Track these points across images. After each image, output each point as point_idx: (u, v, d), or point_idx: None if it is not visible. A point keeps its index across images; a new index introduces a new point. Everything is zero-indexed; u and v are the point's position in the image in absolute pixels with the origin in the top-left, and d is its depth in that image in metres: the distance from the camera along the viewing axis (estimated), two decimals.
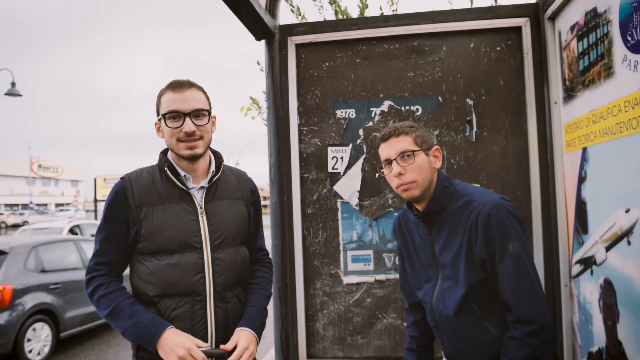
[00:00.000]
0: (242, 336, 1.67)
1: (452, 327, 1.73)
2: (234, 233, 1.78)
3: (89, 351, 6.57)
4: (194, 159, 1.72)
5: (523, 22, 2.49)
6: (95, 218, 35.25)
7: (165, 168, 1.73)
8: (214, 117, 1.82)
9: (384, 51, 2.64)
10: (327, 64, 2.69)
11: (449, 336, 1.77)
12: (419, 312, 1.96)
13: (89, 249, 7.36)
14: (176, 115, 1.67)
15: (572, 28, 2.15)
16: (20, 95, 15.86)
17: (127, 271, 1.81)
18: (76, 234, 12.30)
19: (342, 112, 2.68)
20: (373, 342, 2.66)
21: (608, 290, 1.91)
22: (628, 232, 1.72)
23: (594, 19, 1.92)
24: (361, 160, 2.65)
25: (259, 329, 1.75)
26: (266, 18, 2.53)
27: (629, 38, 1.65)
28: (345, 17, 4.73)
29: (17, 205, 55.88)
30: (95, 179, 34.51)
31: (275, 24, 2.70)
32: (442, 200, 1.70)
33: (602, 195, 1.94)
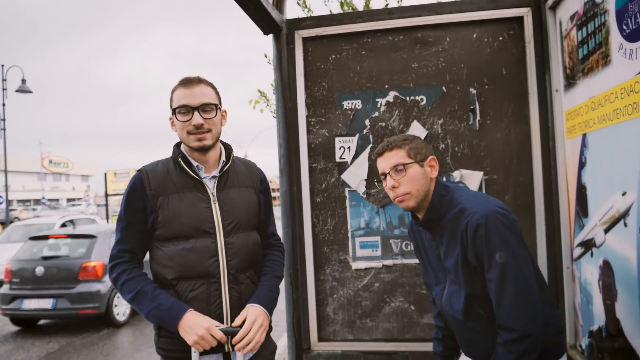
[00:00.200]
0: (250, 311, 1.76)
1: (461, 328, 1.79)
2: (245, 219, 1.87)
3: None
4: (203, 150, 1.81)
5: (525, 12, 2.55)
6: (107, 212, 35.57)
7: (179, 159, 1.83)
8: (224, 111, 1.91)
9: (388, 43, 2.71)
10: (333, 56, 2.77)
11: (460, 335, 1.84)
12: None
13: None
14: (186, 109, 1.77)
15: (572, 17, 2.21)
16: (30, 92, 16.05)
17: (146, 258, 1.91)
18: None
19: (348, 103, 2.75)
20: (381, 324, 2.75)
21: (607, 271, 1.99)
22: (624, 214, 1.79)
23: (592, 8, 1.98)
24: (368, 150, 2.73)
25: (267, 304, 1.82)
26: (273, 13, 2.60)
27: (625, 27, 1.71)
28: (351, 9, 4.78)
29: (29, 200, 56.56)
30: (105, 174, 34.80)
31: (282, 18, 2.78)
32: (439, 209, 1.73)
33: (600, 179, 2.01)
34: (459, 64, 2.64)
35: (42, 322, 7.78)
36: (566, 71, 2.33)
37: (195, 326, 1.67)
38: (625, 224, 1.79)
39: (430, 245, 1.84)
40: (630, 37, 1.67)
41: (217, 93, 1.87)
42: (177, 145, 1.91)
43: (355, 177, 2.74)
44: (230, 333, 1.72)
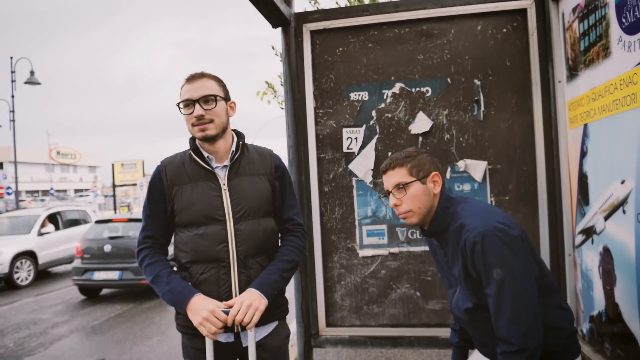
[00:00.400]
0: (245, 295, 1.82)
1: (471, 329, 1.86)
2: (256, 206, 1.93)
3: None
4: (207, 140, 1.89)
5: (528, 4, 2.59)
6: (114, 203, 35.85)
7: (190, 151, 1.94)
8: (233, 103, 1.99)
9: (394, 35, 2.77)
10: (340, 49, 2.82)
11: (470, 332, 1.91)
12: None
13: None
14: (188, 103, 1.87)
15: (574, 10, 2.26)
16: (39, 84, 16.17)
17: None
18: (57, 222, 11.66)
19: (355, 94, 2.82)
20: (388, 310, 2.83)
21: (606, 257, 2.05)
22: (623, 202, 1.85)
23: (593, 1, 2.03)
24: (374, 140, 2.80)
25: (264, 287, 1.84)
26: (282, 7, 2.66)
27: (624, 20, 1.76)
28: (357, 1, 4.82)
29: (37, 191, 57.06)
30: (112, 165, 35.00)
31: (290, 11, 2.84)
32: (442, 222, 1.77)
33: (601, 168, 2.07)
34: (463, 55, 2.69)
35: (103, 292, 9.17)
36: (568, 62, 2.38)
37: (201, 309, 1.77)
38: (624, 212, 1.85)
39: (439, 251, 1.90)
40: (629, 30, 1.72)
41: (221, 85, 1.94)
42: (193, 139, 1.99)
43: (362, 167, 2.81)
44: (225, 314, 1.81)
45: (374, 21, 2.76)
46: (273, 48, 5.12)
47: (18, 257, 10.19)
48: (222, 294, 1.87)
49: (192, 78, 1.89)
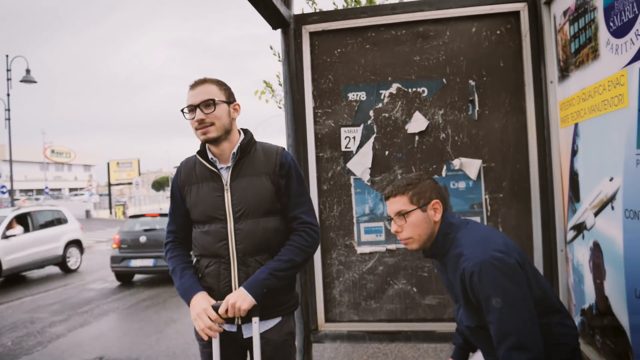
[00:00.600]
0: (232, 293, 1.92)
1: (475, 341, 1.94)
2: (255, 206, 2.00)
3: None
4: (210, 142, 2.00)
5: (521, 7, 2.66)
6: (109, 202, 35.78)
7: (196, 154, 2.08)
8: (237, 104, 2.06)
9: (391, 37, 2.83)
10: (339, 50, 2.89)
11: (475, 344, 1.99)
12: None
13: None
14: (190, 108, 1.98)
15: (565, 13, 2.33)
16: (35, 82, 16.14)
17: None
18: (26, 223, 11.00)
19: (353, 95, 2.88)
20: (385, 306, 2.90)
21: (596, 252, 2.13)
22: (612, 199, 1.93)
23: (583, 5, 2.10)
24: (372, 140, 2.87)
25: (252, 287, 1.91)
26: (282, 9, 2.72)
27: (611, 24, 1.83)
28: (354, 2, 4.89)
29: (31, 190, 56.82)
30: (108, 163, 34.89)
31: (290, 13, 2.90)
32: (442, 246, 1.85)
33: (591, 166, 2.15)
34: (458, 57, 2.76)
35: (135, 278, 10.48)
36: (560, 64, 2.45)
37: (197, 306, 1.92)
38: (613, 207, 1.92)
39: (441, 269, 1.97)
40: (617, 33, 1.80)
41: (222, 89, 2.02)
42: (204, 142, 2.10)
43: (360, 165, 2.88)
44: (215, 309, 1.92)
45: (372, 23, 2.82)
46: (271, 48, 5.18)
47: None
48: (222, 288, 1.99)
49: (195, 84, 2.00)
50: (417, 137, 2.82)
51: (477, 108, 2.75)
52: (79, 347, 5.89)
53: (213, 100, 1.96)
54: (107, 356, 5.51)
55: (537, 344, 1.63)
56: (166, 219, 8.99)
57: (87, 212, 32.84)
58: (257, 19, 2.87)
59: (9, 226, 10.46)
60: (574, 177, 2.35)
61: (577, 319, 2.42)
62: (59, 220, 11.91)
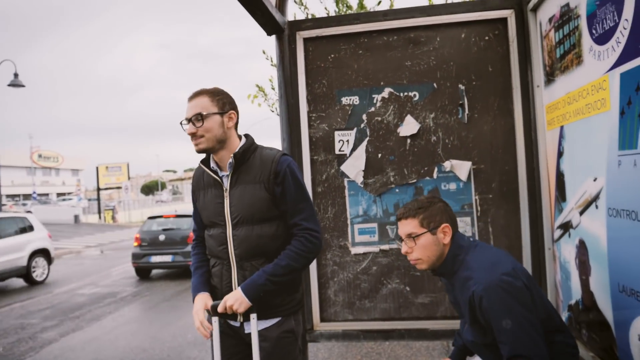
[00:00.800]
0: (230, 294, 2.03)
1: (479, 354, 2.03)
2: (249, 214, 2.07)
3: None
4: (202, 152, 2.11)
5: (508, 14, 2.76)
6: (99, 207, 35.47)
7: (200, 162, 2.20)
8: (232, 113, 2.11)
9: (383, 43, 2.91)
10: (332, 55, 2.96)
11: (480, 356, 2.07)
12: None
13: None
14: (186, 121, 2.09)
15: (550, 20, 2.42)
16: (23, 86, 16.03)
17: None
18: None
19: (347, 99, 2.96)
20: (379, 305, 2.97)
21: (582, 249, 2.22)
22: (596, 198, 2.02)
23: (567, 12, 2.20)
24: (365, 143, 2.94)
25: (248, 288, 2.00)
26: (277, 16, 2.79)
27: (594, 31, 1.92)
28: (345, 6, 4.97)
29: (18, 195, 56.16)
30: (97, 168, 34.60)
31: (284, 20, 2.96)
32: (451, 267, 1.94)
33: (576, 167, 2.23)
34: (448, 62, 2.85)
35: (153, 273, 11.63)
36: (546, 68, 2.54)
37: (195, 305, 2.13)
38: (597, 206, 2.01)
39: (448, 287, 2.07)
40: (599, 40, 1.89)
41: (215, 100, 2.08)
42: None
43: (354, 168, 2.95)
44: (215, 307, 2.06)
45: (364, 29, 2.90)
46: (264, 52, 5.26)
47: None
48: (224, 287, 2.13)
49: (190, 97, 2.11)
50: (409, 140, 2.89)
51: (466, 111, 2.84)
52: (72, 352, 5.89)
53: (201, 114, 2.04)
54: None
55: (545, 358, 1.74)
56: (181, 220, 11.20)
57: (76, 217, 32.57)
58: (246, 22, 2.95)
59: None
60: (560, 177, 2.44)
61: (565, 315, 2.50)
62: (24, 229, 11.05)
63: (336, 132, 2.96)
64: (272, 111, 5.96)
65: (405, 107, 2.89)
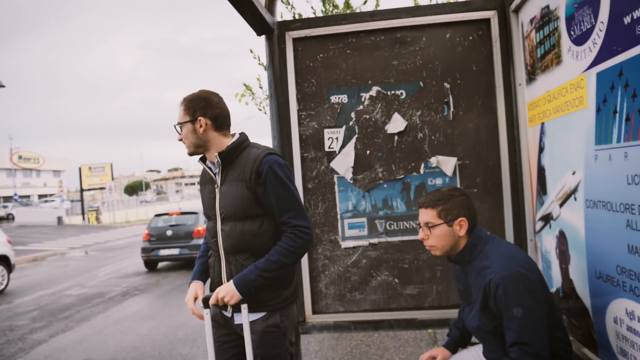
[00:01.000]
0: (223, 286, 2.14)
1: (482, 339, 2.15)
2: (232, 211, 2.15)
3: None
4: (191, 155, 2.24)
5: (491, 15, 2.86)
6: (82, 208, 35.02)
7: (199, 159, 2.30)
8: (200, 119, 2.14)
9: (371, 43, 3.00)
10: (321, 55, 3.04)
11: (481, 342, 2.19)
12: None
13: None
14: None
15: (531, 21, 2.53)
16: (3, 86, 15.81)
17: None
18: None
19: (335, 97, 3.04)
20: (369, 297, 3.06)
21: (562, 239, 2.33)
22: (574, 190, 2.13)
23: (547, 14, 2.30)
24: (354, 140, 3.02)
25: (238, 282, 2.08)
26: (267, 16, 2.86)
27: (572, 32, 2.03)
28: (332, 5, 5.05)
29: None
30: (80, 168, 34.15)
31: (274, 20, 3.03)
32: (469, 256, 2.04)
33: (556, 161, 2.35)
34: (434, 61, 2.95)
35: (159, 265, 12.73)
36: (527, 67, 2.65)
37: (187, 293, 2.31)
38: (575, 199, 2.12)
39: (459, 275, 2.18)
40: (577, 41, 1.99)
41: (186, 108, 2.18)
42: None
43: (343, 164, 3.03)
44: (207, 298, 2.18)
45: (352, 29, 2.98)
46: (251, 51, 5.31)
47: None
48: (215, 277, 2.27)
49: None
50: (396, 137, 2.98)
51: (452, 109, 2.94)
52: (62, 352, 5.89)
53: (179, 123, 2.21)
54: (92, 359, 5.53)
55: (547, 353, 1.86)
56: (186, 217, 12.37)
57: (59, 219, 32.14)
58: (232, 20, 3.02)
59: None
60: (541, 172, 2.55)
61: None
62: None
63: (326, 130, 3.04)
64: (260, 110, 6.02)
65: (393, 105, 2.98)
